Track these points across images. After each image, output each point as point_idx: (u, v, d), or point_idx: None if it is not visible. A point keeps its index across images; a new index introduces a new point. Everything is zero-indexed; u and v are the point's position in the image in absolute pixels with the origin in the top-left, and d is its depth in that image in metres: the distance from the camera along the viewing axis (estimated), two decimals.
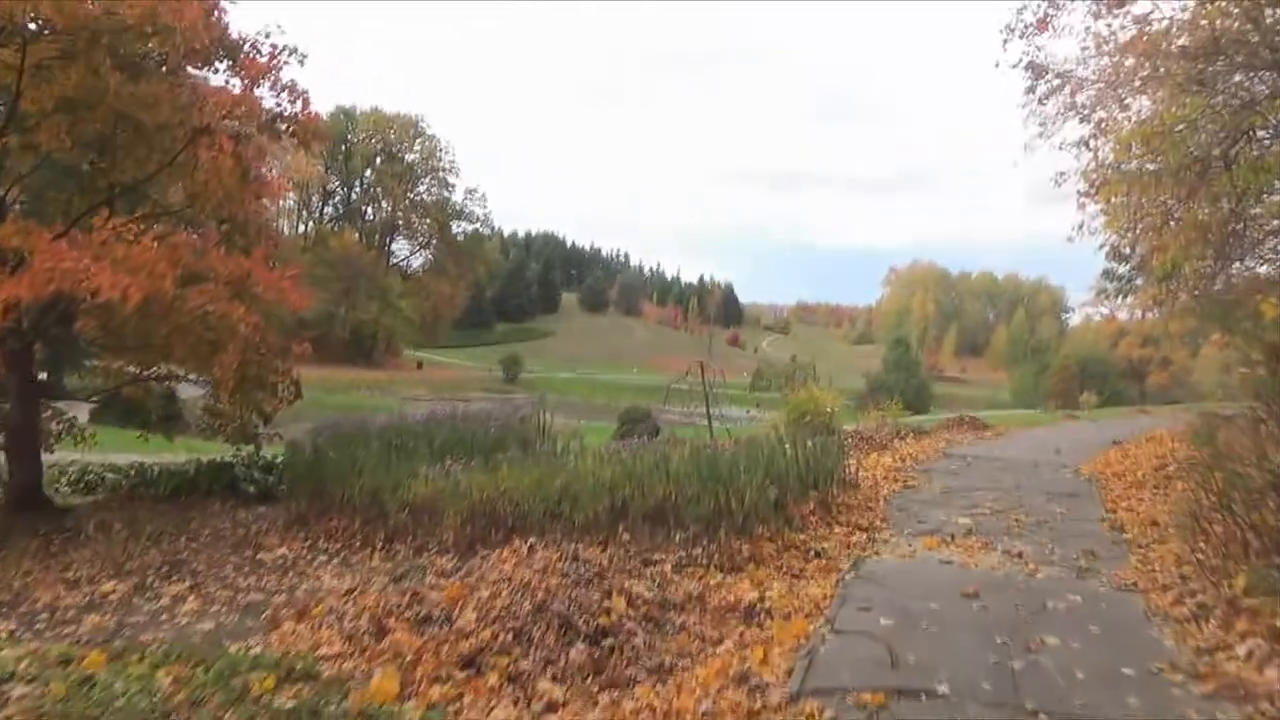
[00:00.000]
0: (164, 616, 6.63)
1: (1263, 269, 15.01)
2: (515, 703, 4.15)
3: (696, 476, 7.58)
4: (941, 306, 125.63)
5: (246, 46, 11.80)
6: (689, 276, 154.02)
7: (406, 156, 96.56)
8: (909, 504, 9.07)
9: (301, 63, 11.92)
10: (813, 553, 6.85)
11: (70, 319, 10.38)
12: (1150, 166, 14.10)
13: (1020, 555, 6.95)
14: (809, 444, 9.82)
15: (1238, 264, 15.05)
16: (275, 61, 11.66)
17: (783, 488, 7.93)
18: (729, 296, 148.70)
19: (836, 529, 7.70)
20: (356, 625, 5.04)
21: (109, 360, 12.26)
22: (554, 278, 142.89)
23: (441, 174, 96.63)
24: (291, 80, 11.77)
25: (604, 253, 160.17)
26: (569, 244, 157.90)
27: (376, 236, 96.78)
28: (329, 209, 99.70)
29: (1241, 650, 4.51)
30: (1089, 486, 10.45)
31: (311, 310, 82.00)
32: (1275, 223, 13.29)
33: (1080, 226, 14.72)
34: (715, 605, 5.42)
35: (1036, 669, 4.37)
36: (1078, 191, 15.78)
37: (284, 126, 12.08)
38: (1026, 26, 13.35)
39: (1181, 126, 10.81)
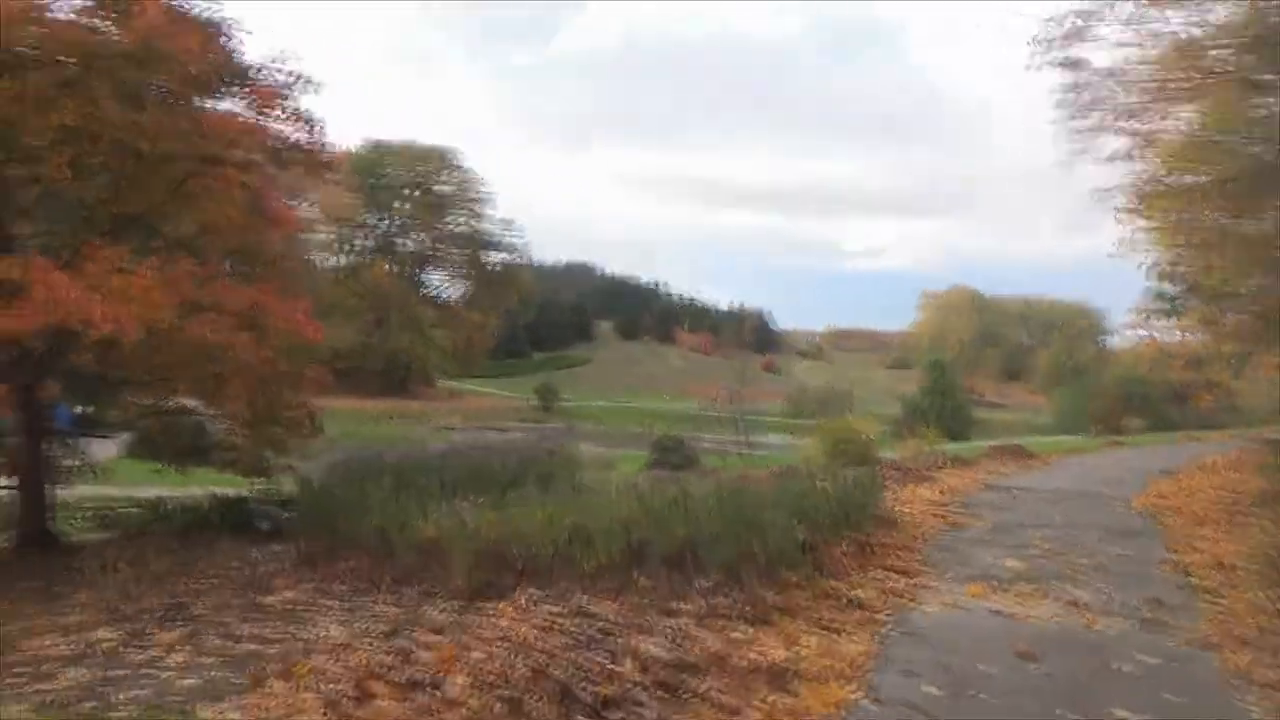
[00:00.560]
0: (149, 670, 6.16)
1: None
2: None
3: (719, 515, 7.03)
4: (978, 330, 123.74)
5: (257, 74, 11.58)
6: (722, 303, 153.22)
7: (439, 188, 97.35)
8: (953, 544, 8.43)
9: (316, 91, 11.63)
10: (849, 602, 6.25)
11: (70, 352, 10.07)
12: (1197, 179, 13.44)
13: (1078, 604, 6.32)
14: (844, 477, 9.26)
15: None
16: (285, 90, 11.42)
17: (814, 527, 7.36)
18: (762, 322, 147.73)
19: (874, 573, 7.10)
20: (339, 688, 4.54)
21: (120, 394, 12.00)
22: (588, 306, 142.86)
23: (474, 205, 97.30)
24: (301, 109, 11.52)
25: (638, 281, 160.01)
26: (603, 272, 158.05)
27: (410, 268, 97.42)
28: (363, 241, 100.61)
29: None
30: (1146, 523, 9.74)
31: (345, 341, 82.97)
32: None
33: (1124, 242, 14.04)
34: (739, 666, 4.85)
35: None
36: (1115, 209, 15.13)
37: (295, 155, 11.83)
38: (1059, 38, 12.79)
39: (1231, 134, 10.17)
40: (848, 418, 24.02)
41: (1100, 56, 12.41)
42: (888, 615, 6.01)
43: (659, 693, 4.36)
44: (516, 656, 4.40)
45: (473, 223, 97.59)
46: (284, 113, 11.35)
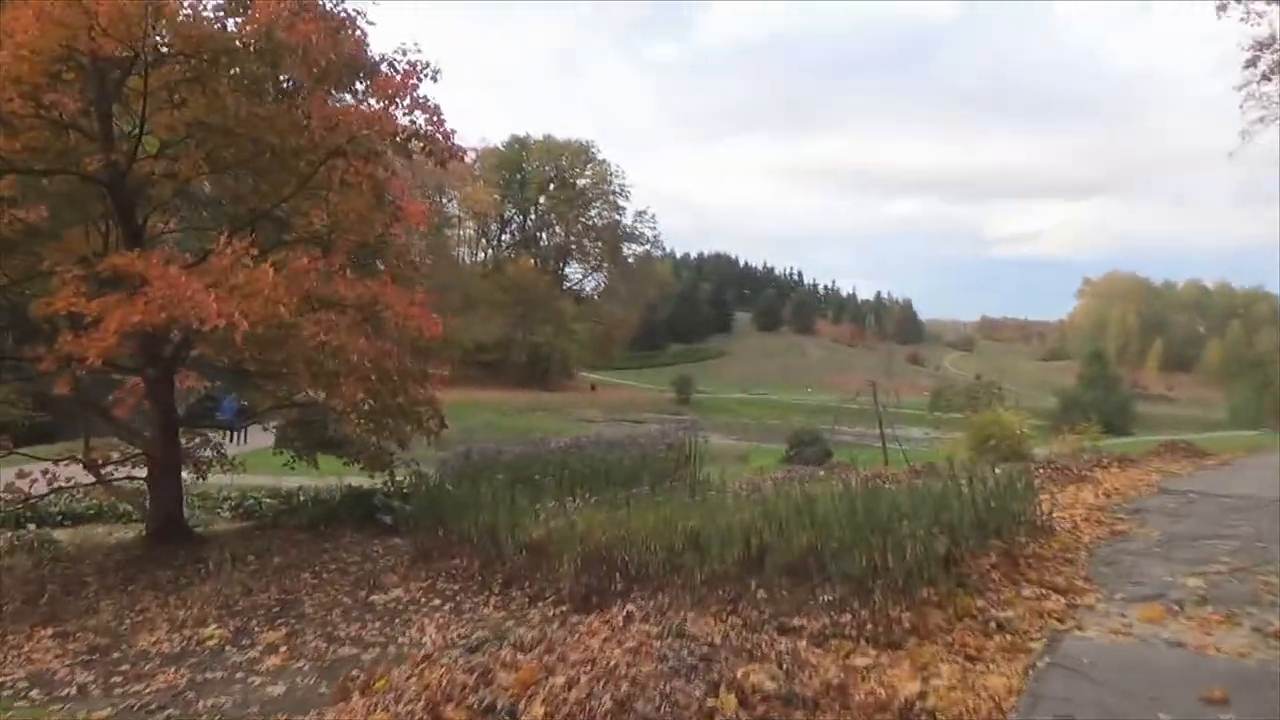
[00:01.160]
0: (243, 673, 5.99)
1: None
2: None
3: (849, 521, 6.32)
4: (1143, 319, 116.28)
5: (381, 66, 11.53)
6: (865, 293, 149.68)
7: (578, 182, 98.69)
8: (1119, 556, 7.40)
9: (435, 78, 11.53)
10: (994, 624, 5.42)
11: (190, 346, 10.21)
12: None
13: (1278, 635, 5.30)
14: (992, 477, 8.34)
15: None
16: (410, 80, 11.32)
17: (956, 536, 6.54)
18: (908, 312, 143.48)
19: (1025, 590, 6.21)
20: (411, 709, 4.14)
21: (249, 387, 12.21)
22: (727, 297, 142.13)
23: (612, 197, 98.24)
24: (424, 97, 11.40)
25: (777, 271, 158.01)
26: (741, 264, 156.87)
27: (550, 261, 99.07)
28: (505, 236, 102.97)
29: None
30: None
31: (489, 335, 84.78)
32: None
33: None
34: (861, 702, 4.17)
35: None
36: None
37: (419, 145, 11.74)
38: None
39: None
40: (997, 411, 22.50)
41: None
42: (1040, 642, 5.18)
43: None
44: (602, 684, 3.88)
45: (611, 215, 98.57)
46: (408, 103, 11.27)
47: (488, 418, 50.42)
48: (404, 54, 11.36)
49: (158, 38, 9.64)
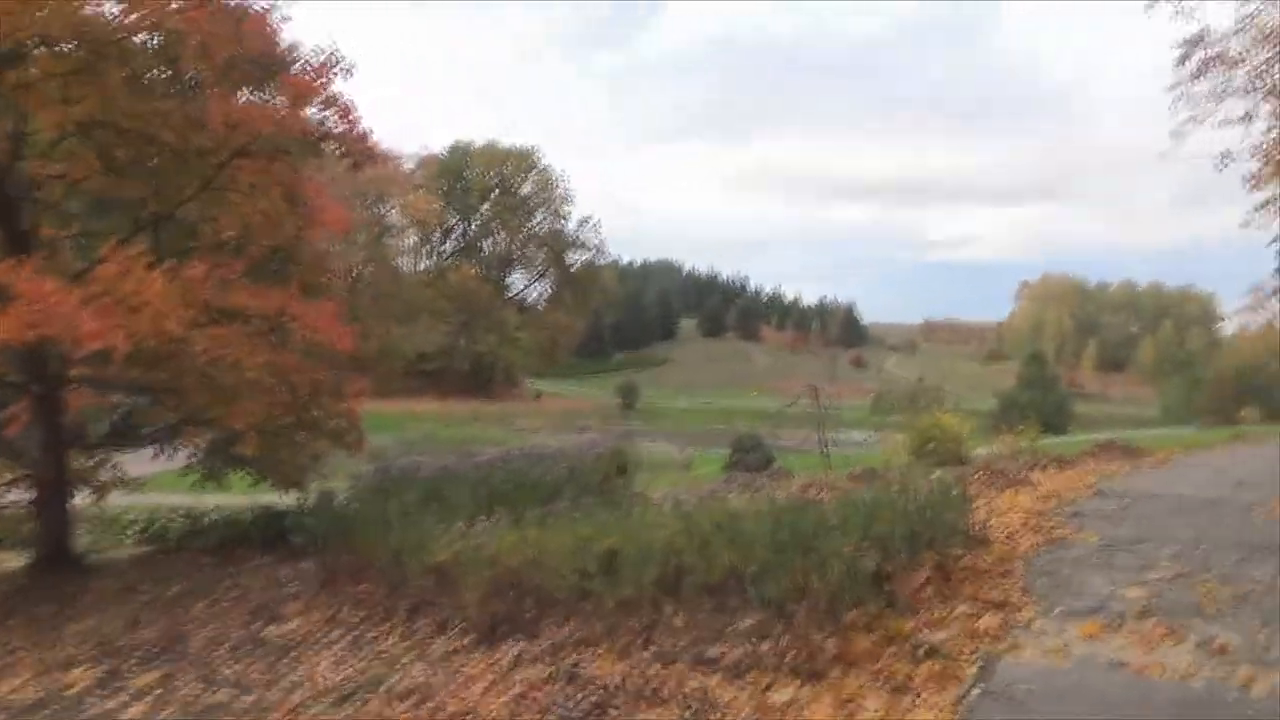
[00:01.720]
0: None
1: None
2: None
3: (772, 538, 5.89)
4: (1078, 320, 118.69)
5: (292, 62, 10.93)
6: (810, 298, 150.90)
7: (521, 189, 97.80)
8: (1057, 566, 7.07)
9: (349, 75, 10.96)
10: (925, 649, 5.02)
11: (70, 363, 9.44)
12: None
13: (1223, 650, 4.97)
14: (927, 486, 7.99)
15: None
16: (321, 77, 10.74)
17: (888, 550, 6.15)
18: (851, 317, 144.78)
19: (959, 607, 5.83)
20: None
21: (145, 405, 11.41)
22: (671, 304, 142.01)
23: (555, 205, 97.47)
24: (338, 95, 10.83)
25: (721, 277, 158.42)
26: (686, 270, 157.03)
27: (494, 269, 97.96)
28: (448, 245, 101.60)
29: None
30: None
31: (430, 344, 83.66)
32: None
33: (1262, 205, 12.41)
34: None
35: None
36: (1243, 176, 13.51)
37: (332, 146, 11.17)
38: None
39: None
40: (936, 413, 22.39)
41: (1220, 15, 11.12)
42: (973, 667, 4.78)
43: None
44: None
45: (554, 222, 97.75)
46: (321, 101, 10.72)
47: (428, 429, 49.36)
48: (322, 52, 10.80)
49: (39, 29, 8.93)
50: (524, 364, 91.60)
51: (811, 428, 26.79)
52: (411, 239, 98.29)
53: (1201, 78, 12.60)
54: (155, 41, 9.83)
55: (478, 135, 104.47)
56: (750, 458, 27.12)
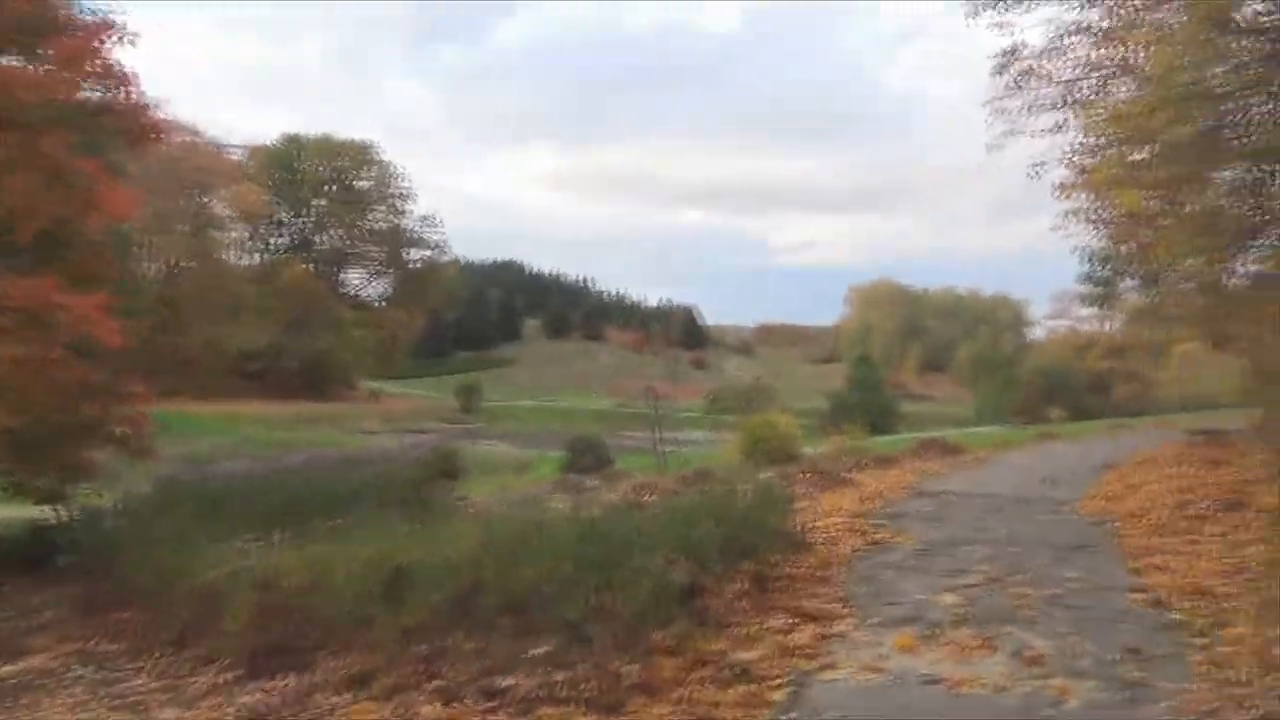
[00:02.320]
0: None
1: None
2: None
3: (574, 551, 5.37)
4: (903, 324, 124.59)
5: (65, 26, 9.76)
6: (654, 300, 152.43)
7: (358, 184, 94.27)
8: (876, 571, 6.89)
9: (133, 43, 9.89)
10: (734, 670, 4.62)
11: None
12: (1135, 152, 12.32)
13: (1037, 660, 4.80)
14: (748, 491, 7.69)
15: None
16: (95, 40, 9.59)
17: (705, 559, 5.76)
18: (692, 319, 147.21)
19: (774, 620, 5.48)
20: None
21: None
22: (516, 304, 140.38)
23: (394, 201, 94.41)
24: (113, 62, 9.75)
25: (567, 278, 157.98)
26: (531, 270, 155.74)
27: (328, 266, 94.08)
28: (280, 240, 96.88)
29: None
30: (1101, 534, 8.33)
31: (256, 342, 79.51)
32: None
33: (1065, 215, 12.89)
34: None
35: None
36: (1053, 185, 14.03)
37: (107, 120, 10.03)
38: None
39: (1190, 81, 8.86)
40: (768, 413, 22.61)
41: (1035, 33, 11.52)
42: (784, 689, 4.41)
43: None
44: None
45: (393, 219, 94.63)
46: (96, 69, 9.58)
47: (249, 431, 46.64)
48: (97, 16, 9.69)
49: None
50: (360, 364, 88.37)
51: (656, 428, 26.71)
52: (239, 232, 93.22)
53: (1018, 92, 12.95)
54: None
55: (313, 129, 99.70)
56: (587, 459, 26.74)
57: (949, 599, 5.99)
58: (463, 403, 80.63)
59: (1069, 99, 12.70)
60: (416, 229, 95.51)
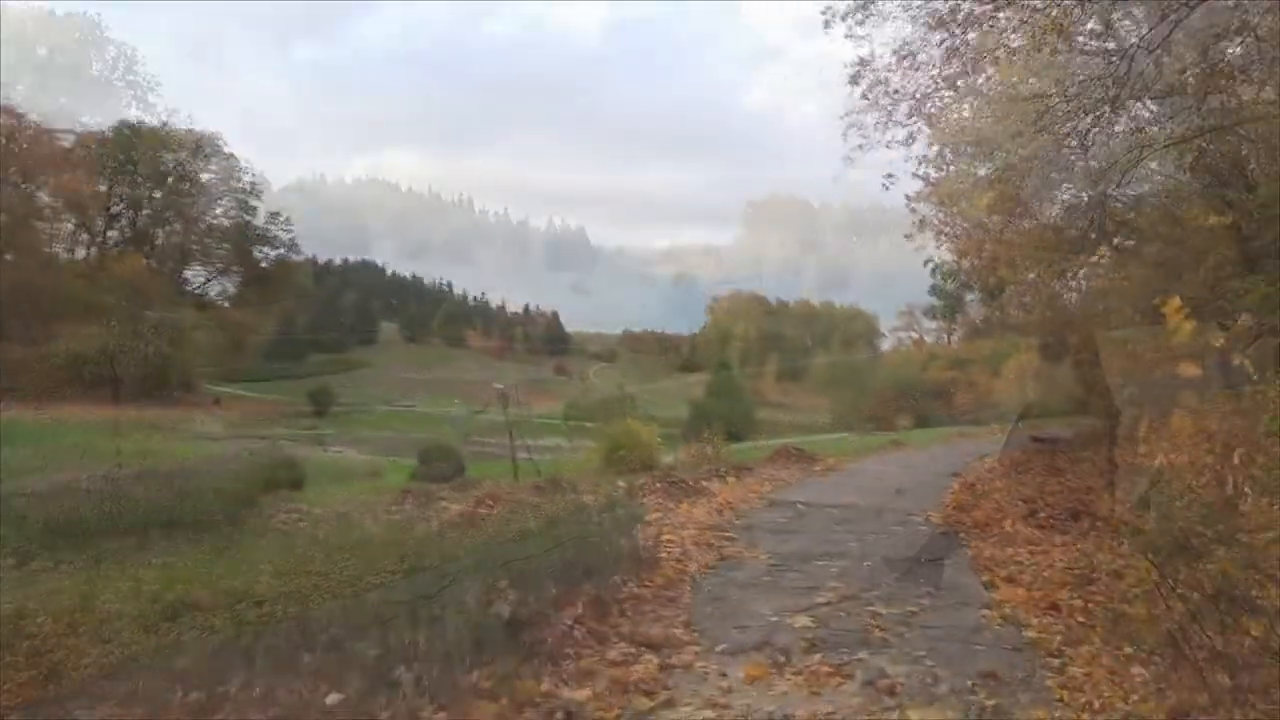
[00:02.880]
0: None
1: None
2: None
3: (381, 581, 4.70)
4: (762, 333, 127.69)
5: None
6: (515, 305, 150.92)
7: (202, 176, 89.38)
8: (725, 590, 6.46)
9: None
10: (562, 714, 4.06)
11: None
12: (981, 170, 12.51)
13: (893, 690, 4.43)
14: (595, 503, 7.17)
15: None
16: None
17: (534, 588, 5.16)
18: (555, 325, 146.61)
19: (613, 650, 4.95)
20: None
21: None
22: (373, 307, 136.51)
23: (241, 195, 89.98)
24: None
25: (426, 281, 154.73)
26: (389, 272, 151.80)
27: (168, 262, 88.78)
28: (113, 233, 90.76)
29: None
30: (954, 546, 8.19)
31: (91, 344, 74.50)
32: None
33: (921, 224, 13.00)
34: None
35: None
36: (906, 197, 14.19)
37: None
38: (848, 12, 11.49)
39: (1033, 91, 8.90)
40: (628, 421, 22.19)
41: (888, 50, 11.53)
42: None
43: None
44: None
45: (240, 214, 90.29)
46: None
47: (76, 439, 43.03)
48: None
49: None
50: (204, 367, 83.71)
51: (519, 434, 25.89)
52: (68, 225, 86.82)
53: (873, 106, 12.95)
54: None
55: (152, 118, 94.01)
56: (439, 467, 25.66)
57: (800, 621, 5.60)
58: (314, 406, 77.52)
59: (920, 111, 12.81)
60: (265, 226, 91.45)
